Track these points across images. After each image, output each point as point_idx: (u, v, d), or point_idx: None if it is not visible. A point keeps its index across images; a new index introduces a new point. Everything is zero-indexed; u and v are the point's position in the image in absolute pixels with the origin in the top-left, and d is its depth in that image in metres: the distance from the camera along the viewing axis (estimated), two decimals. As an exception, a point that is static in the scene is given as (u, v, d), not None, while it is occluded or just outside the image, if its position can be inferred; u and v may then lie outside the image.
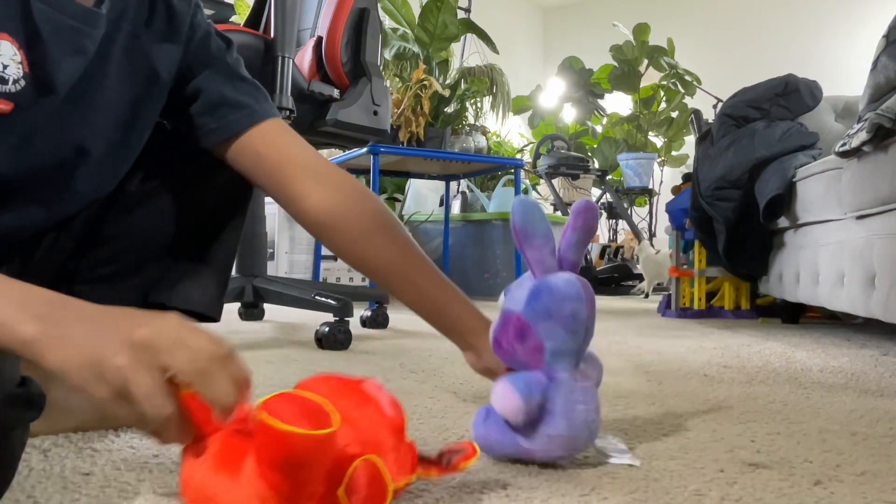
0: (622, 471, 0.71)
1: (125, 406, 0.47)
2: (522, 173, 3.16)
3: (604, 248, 5.01)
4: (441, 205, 3.75)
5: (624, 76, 5.58)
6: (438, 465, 0.62)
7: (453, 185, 3.78)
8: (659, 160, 5.71)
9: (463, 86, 3.94)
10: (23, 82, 0.66)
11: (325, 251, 3.16)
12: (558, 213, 4.59)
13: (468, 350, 0.84)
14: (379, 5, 2.17)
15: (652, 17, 5.67)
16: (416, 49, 3.82)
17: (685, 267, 2.86)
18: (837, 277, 1.81)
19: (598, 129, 6.00)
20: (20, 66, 0.65)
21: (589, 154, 5.52)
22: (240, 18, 2.25)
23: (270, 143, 0.82)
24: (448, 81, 3.84)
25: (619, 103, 5.95)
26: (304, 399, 0.52)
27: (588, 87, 5.85)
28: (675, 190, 3.31)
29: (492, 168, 3.40)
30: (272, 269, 3.62)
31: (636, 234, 4.67)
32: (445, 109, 3.63)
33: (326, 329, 1.67)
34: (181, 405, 0.50)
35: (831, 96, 2.76)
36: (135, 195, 0.86)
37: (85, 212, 0.83)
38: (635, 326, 2.37)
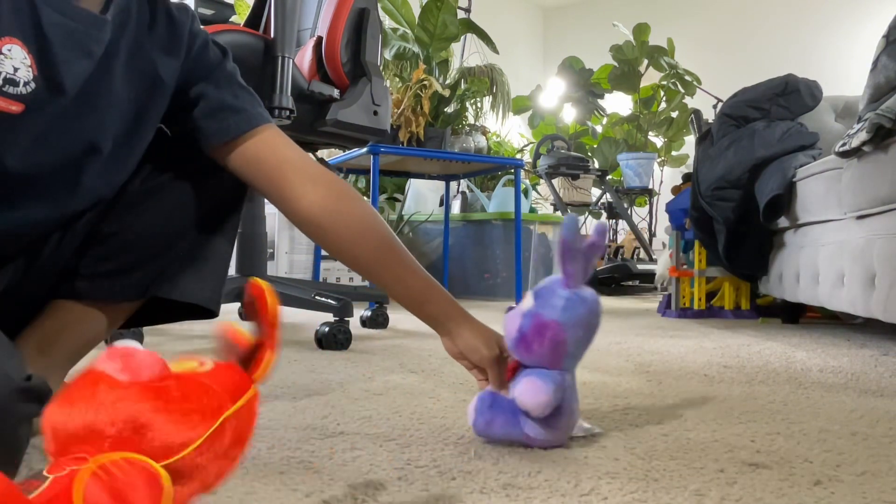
0: (622, 471, 0.71)
1: None
2: (522, 173, 3.16)
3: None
4: (441, 205, 3.75)
5: (624, 76, 5.57)
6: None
7: (453, 185, 3.78)
8: (659, 160, 5.70)
9: (463, 86, 3.94)
10: (33, 84, 0.70)
11: (325, 251, 3.15)
12: (558, 213, 4.59)
13: (446, 335, 0.89)
14: (379, 5, 2.17)
15: (652, 17, 5.67)
16: (416, 49, 3.82)
17: (685, 267, 2.86)
18: (837, 277, 1.81)
19: (598, 129, 5.99)
20: (30, 69, 0.69)
21: (589, 154, 5.51)
22: (240, 18, 2.25)
23: (267, 147, 0.87)
24: (448, 81, 3.84)
25: (619, 103, 5.95)
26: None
27: (588, 87, 5.84)
28: (675, 190, 3.31)
29: (492, 168, 3.39)
30: (272, 269, 3.62)
31: (639, 238, 4.68)
32: (445, 109, 3.63)
33: (326, 329, 1.67)
34: None
35: (831, 96, 2.76)
36: (135, 194, 0.88)
37: (90, 212, 0.85)
38: (635, 326, 2.37)
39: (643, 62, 5.54)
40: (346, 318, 1.70)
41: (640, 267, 4.37)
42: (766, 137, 2.39)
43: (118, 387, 0.40)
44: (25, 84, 0.69)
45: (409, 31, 3.89)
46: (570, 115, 6.01)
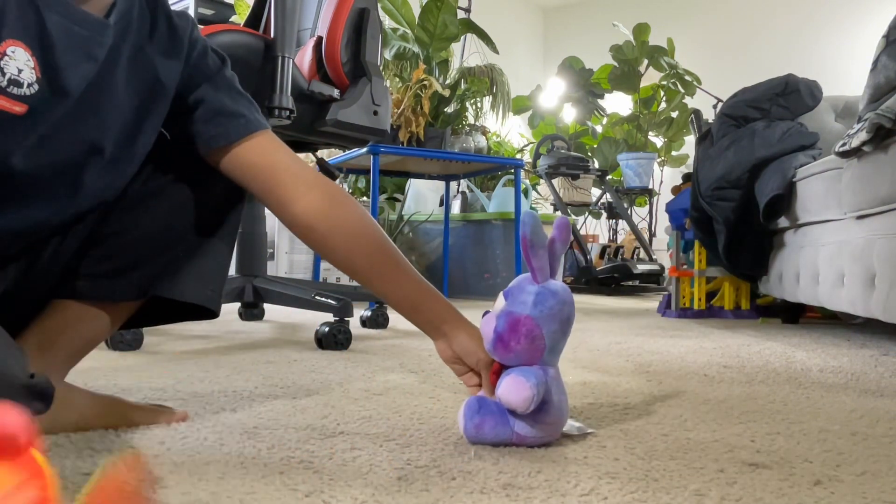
0: (622, 471, 0.71)
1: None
2: (522, 173, 3.15)
3: (604, 248, 5.00)
4: (441, 205, 3.75)
5: (624, 76, 5.57)
6: None
7: (453, 185, 3.78)
8: (659, 160, 5.71)
9: (463, 86, 3.94)
10: (36, 86, 0.71)
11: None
12: (558, 213, 4.59)
13: (441, 339, 0.89)
14: (379, 5, 2.17)
15: (652, 17, 5.67)
16: (416, 49, 3.82)
17: (685, 267, 2.86)
18: (837, 277, 1.81)
19: (598, 129, 6.00)
20: (33, 71, 0.71)
21: (589, 154, 5.51)
22: (240, 18, 2.25)
23: (263, 152, 0.88)
24: (448, 81, 3.84)
25: (619, 103, 5.95)
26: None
27: (588, 87, 5.84)
28: (675, 190, 3.31)
29: (492, 168, 3.40)
30: (272, 269, 3.62)
31: (639, 238, 4.68)
32: (445, 109, 3.63)
33: (326, 329, 1.67)
34: None
35: (831, 96, 2.76)
36: (136, 195, 0.88)
37: (92, 214, 0.86)
38: (635, 326, 2.37)
39: (643, 62, 5.54)
40: (346, 318, 1.70)
41: (640, 267, 4.37)
42: (766, 137, 2.39)
43: None
44: (29, 85, 0.71)
45: (409, 31, 3.89)
46: (570, 115, 6.01)
